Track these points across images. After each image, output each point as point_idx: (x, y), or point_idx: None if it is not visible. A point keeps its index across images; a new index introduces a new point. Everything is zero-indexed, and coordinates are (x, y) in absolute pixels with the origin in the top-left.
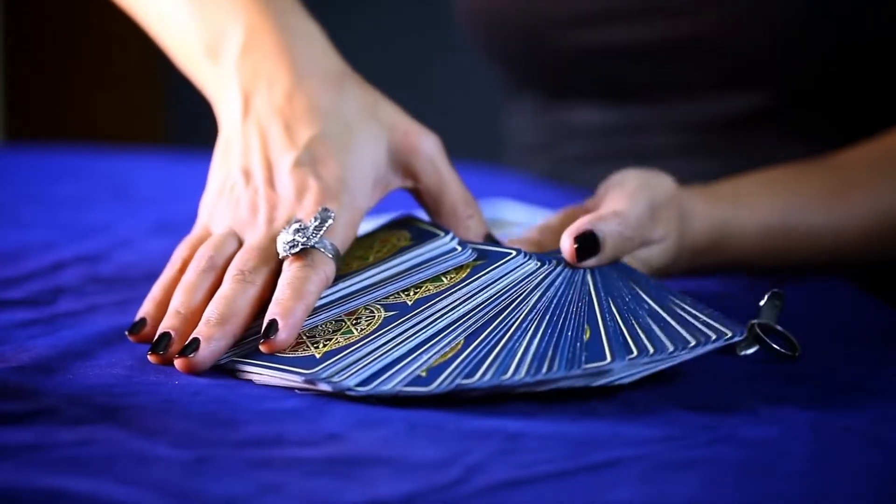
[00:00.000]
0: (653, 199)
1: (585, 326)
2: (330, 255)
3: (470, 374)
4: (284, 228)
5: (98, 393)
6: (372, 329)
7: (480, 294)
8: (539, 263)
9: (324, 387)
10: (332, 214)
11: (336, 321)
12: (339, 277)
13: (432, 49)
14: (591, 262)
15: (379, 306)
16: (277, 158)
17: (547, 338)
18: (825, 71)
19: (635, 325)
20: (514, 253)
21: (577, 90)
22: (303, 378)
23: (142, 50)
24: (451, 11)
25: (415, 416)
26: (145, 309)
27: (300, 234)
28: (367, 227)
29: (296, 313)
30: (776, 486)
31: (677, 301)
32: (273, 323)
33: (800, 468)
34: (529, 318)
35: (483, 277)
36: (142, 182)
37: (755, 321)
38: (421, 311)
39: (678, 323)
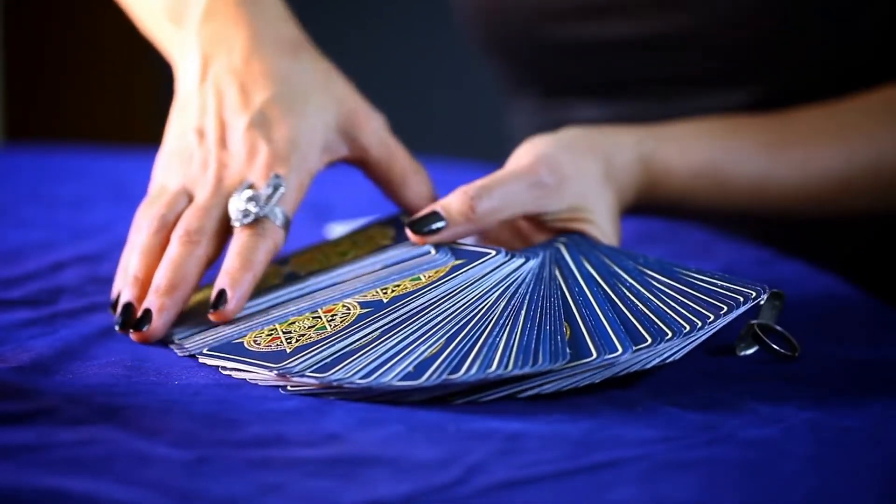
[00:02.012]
0: (538, 152)
1: (565, 323)
2: (280, 224)
3: (455, 369)
4: (236, 192)
5: (98, 393)
6: (344, 325)
7: (457, 293)
8: (523, 260)
9: (308, 380)
10: (283, 182)
11: (314, 317)
12: (316, 272)
13: (433, 48)
14: (442, 236)
15: (356, 303)
16: (231, 120)
17: (528, 332)
18: (821, 66)
19: (645, 310)
20: (493, 252)
21: (575, 86)
22: (273, 372)
23: (141, 50)
24: (450, 7)
25: (415, 416)
26: (118, 283)
27: (252, 202)
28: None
29: (243, 284)
30: (776, 487)
31: (688, 272)
32: (222, 293)
33: (799, 468)
34: (506, 314)
35: (460, 276)
36: (142, 182)
37: (755, 321)
38: (396, 307)
39: (701, 293)
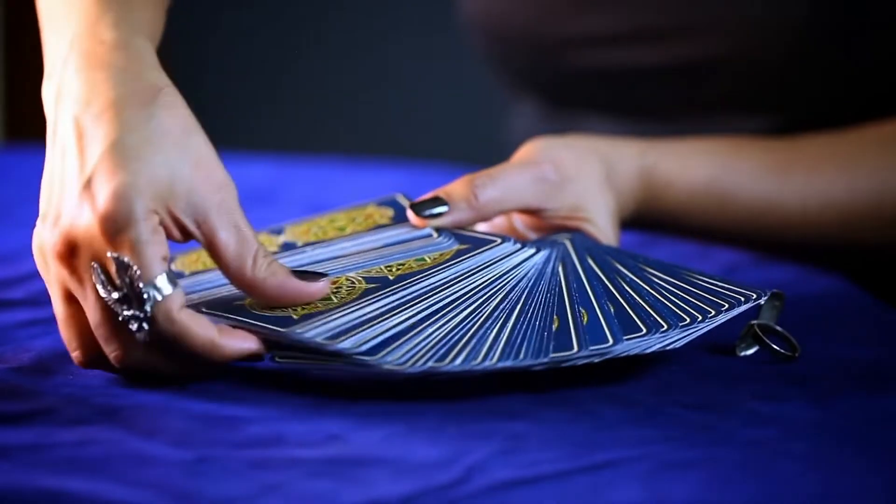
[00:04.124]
0: (544, 149)
1: (555, 317)
2: (168, 292)
3: (442, 358)
4: (99, 286)
5: (98, 393)
6: (352, 298)
7: (461, 281)
8: (532, 251)
9: (312, 342)
10: (130, 261)
11: None
12: (313, 243)
13: (435, 50)
14: (443, 220)
15: (360, 278)
16: (69, 180)
17: (518, 327)
18: (836, 94)
19: (643, 304)
20: (499, 240)
21: (584, 104)
22: (280, 334)
23: None
24: (456, 16)
25: (415, 416)
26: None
27: (125, 304)
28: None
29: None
30: (776, 487)
31: (690, 273)
32: None
33: (799, 468)
34: (502, 306)
35: (466, 262)
36: None
37: (755, 322)
38: (402, 286)
39: (702, 290)
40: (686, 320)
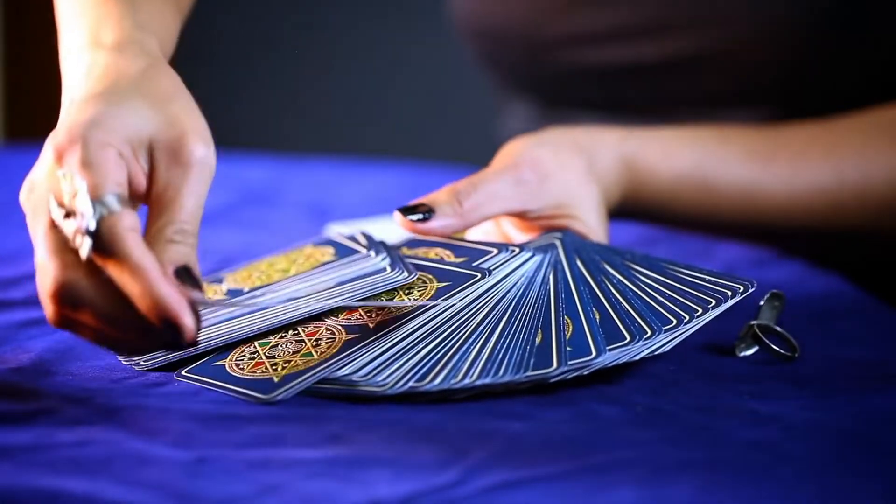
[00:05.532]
0: (521, 151)
1: (539, 331)
2: (116, 210)
3: (422, 378)
4: (53, 211)
5: (98, 393)
6: (333, 353)
7: (444, 312)
8: (527, 255)
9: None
10: (76, 176)
11: (297, 340)
12: (259, 288)
13: (434, 51)
14: (428, 226)
15: (340, 327)
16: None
17: (502, 341)
18: (828, 87)
19: (628, 308)
20: (480, 275)
21: (580, 102)
22: (258, 400)
23: None
24: (448, 16)
25: (415, 416)
26: None
27: (72, 221)
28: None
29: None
30: (775, 488)
31: (676, 268)
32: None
33: (799, 469)
34: (487, 320)
35: (451, 298)
36: None
37: (754, 322)
38: (384, 334)
39: (689, 287)
40: (672, 322)
